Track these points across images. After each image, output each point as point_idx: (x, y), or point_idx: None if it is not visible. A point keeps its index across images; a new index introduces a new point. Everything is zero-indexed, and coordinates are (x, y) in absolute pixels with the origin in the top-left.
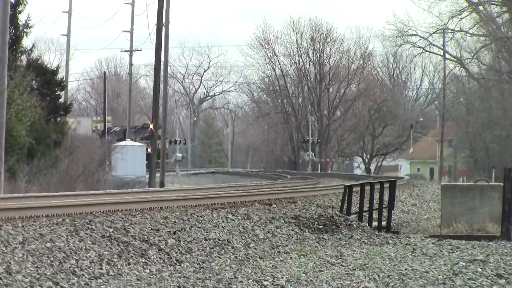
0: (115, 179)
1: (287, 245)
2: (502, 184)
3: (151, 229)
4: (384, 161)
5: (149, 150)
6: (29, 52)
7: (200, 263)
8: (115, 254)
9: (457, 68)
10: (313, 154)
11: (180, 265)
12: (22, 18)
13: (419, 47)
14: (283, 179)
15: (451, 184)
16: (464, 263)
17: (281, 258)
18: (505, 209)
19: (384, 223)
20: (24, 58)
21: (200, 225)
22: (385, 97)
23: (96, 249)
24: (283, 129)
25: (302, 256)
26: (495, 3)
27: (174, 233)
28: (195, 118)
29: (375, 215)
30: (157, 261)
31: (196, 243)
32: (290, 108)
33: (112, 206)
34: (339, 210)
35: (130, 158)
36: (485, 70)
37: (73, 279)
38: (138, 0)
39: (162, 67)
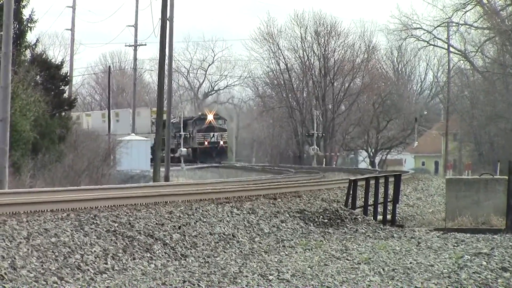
0: (120, 173)
1: (292, 239)
2: (507, 177)
3: (156, 223)
4: (389, 155)
5: (205, 143)
6: (33, 46)
7: (205, 257)
8: (120, 249)
9: (462, 61)
10: (317, 148)
11: (185, 259)
12: (26, 13)
13: (423, 40)
14: (288, 173)
15: (456, 178)
16: (469, 257)
17: (286, 252)
18: (509, 202)
19: (389, 216)
20: (28, 52)
21: (205, 220)
22: (389, 91)
23: (101, 244)
24: (287, 123)
25: (307, 250)
26: None
27: (179, 227)
28: (200, 113)
29: (380, 209)
30: (162, 255)
31: (201, 237)
32: (294, 102)
33: (117, 200)
34: (344, 204)
35: (134, 152)
36: (489, 63)
37: (78, 274)
38: None
39: (166, 61)
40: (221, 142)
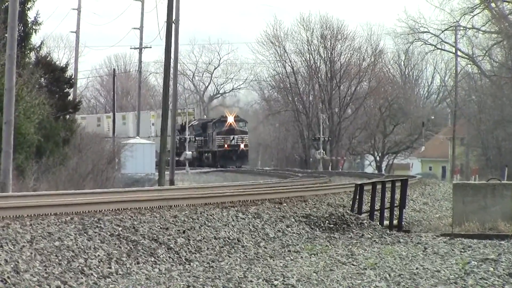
0: (124, 177)
1: (297, 244)
2: None
3: (160, 227)
4: (396, 160)
5: (225, 146)
6: (38, 49)
7: (210, 262)
8: (124, 253)
9: (469, 65)
10: (324, 152)
11: (190, 264)
12: (31, 15)
13: (430, 44)
14: (294, 177)
15: (463, 183)
16: (475, 262)
17: (292, 257)
18: None
19: (395, 222)
20: (32, 55)
21: (209, 224)
22: (396, 95)
23: (105, 248)
24: (293, 127)
25: (312, 255)
26: (507, 0)
27: (184, 232)
28: (205, 116)
29: (386, 214)
30: (166, 260)
31: (205, 242)
32: (301, 106)
33: (121, 204)
34: (350, 209)
35: (139, 155)
36: (497, 67)
37: (82, 278)
38: None
39: (172, 64)
40: (242, 145)
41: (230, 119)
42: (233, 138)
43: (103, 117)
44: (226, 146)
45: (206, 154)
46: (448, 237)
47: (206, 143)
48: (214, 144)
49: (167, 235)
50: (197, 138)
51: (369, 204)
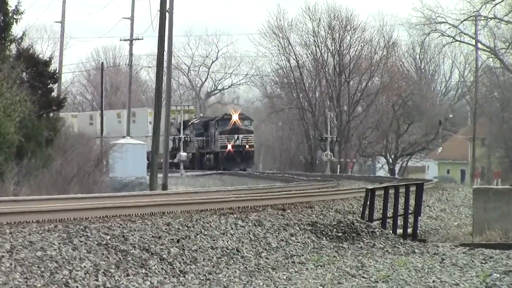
0: (113, 180)
1: (302, 255)
2: None
3: (152, 236)
4: (410, 162)
5: (229, 147)
6: (19, 40)
7: (206, 274)
8: (113, 264)
9: (491, 59)
10: (331, 153)
11: (184, 276)
12: (12, 3)
13: (448, 36)
14: (298, 181)
15: (484, 187)
16: (498, 275)
17: (296, 269)
18: None
19: (409, 230)
20: (13, 47)
21: (206, 232)
22: (411, 91)
23: (92, 259)
24: (298, 126)
25: (319, 267)
26: None
27: (178, 241)
28: (202, 114)
29: (400, 221)
30: (158, 272)
31: (201, 252)
32: (306, 103)
33: (110, 211)
34: (360, 216)
35: (129, 157)
36: None
37: None
38: None
39: (165, 57)
40: (247, 146)
41: (234, 117)
42: (238, 138)
43: (96, 115)
44: (229, 147)
45: (207, 156)
46: (468, 247)
47: (207, 144)
48: (217, 144)
49: (159, 244)
50: (198, 138)
51: (381, 210)
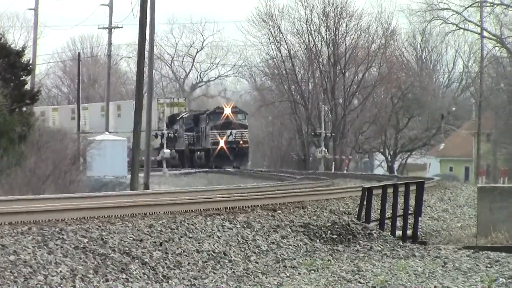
0: (91, 180)
1: (294, 259)
2: None
3: (133, 239)
4: (410, 159)
5: (221, 143)
6: None
7: (191, 279)
8: (91, 268)
9: (497, 48)
10: (326, 150)
11: (168, 282)
12: None
13: (452, 23)
14: (290, 179)
15: (490, 186)
16: (504, 280)
17: (288, 274)
18: None
19: (409, 232)
20: None
21: (191, 235)
22: (411, 83)
23: (68, 263)
24: (290, 121)
25: (312, 272)
26: None
27: (161, 244)
28: (186, 108)
29: (399, 222)
30: (140, 277)
31: (186, 256)
32: (298, 96)
33: (87, 212)
34: (356, 216)
35: (108, 155)
36: None
37: None
38: None
39: (147, 47)
40: (241, 142)
41: (227, 111)
42: (231, 133)
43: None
44: (222, 143)
45: (198, 153)
46: (472, 250)
47: (198, 139)
48: (208, 140)
49: (141, 247)
50: (187, 134)
51: (379, 211)
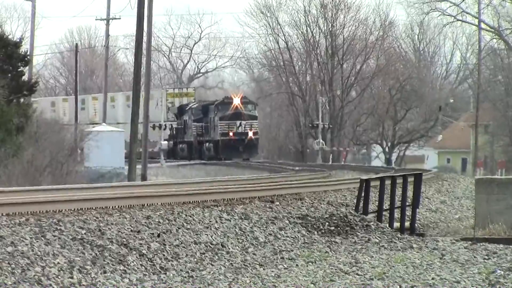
0: (88, 171)
1: (292, 250)
2: None
3: (131, 230)
4: (408, 151)
5: (230, 134)
6: None
7: (189, 271)
8: (89, 260)
9: (495, 40)
10: (323, 142)
11: (165, 273)
12: None
13: (449, 15)
14: (288, 171)
15: (487, 178)
16: (502, 272)
17: (285, 266)
18: None
19: (407, 224)
20: None
21: (189, 226)
22: (409, 75)
23: (66, 254)
24: (288, 113)
25: (310, 263)
26: None
27: (158, 235)
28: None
29: (396, 214)
30: (137, 268)
31: (184, 247)
32: (296, 88)
33: (85, 203)
34: (354, 208)
35: (106, 146)
36: None
37: None
38: None
39: (144, 38)
40: (250, 133)
41: (236, 101)
42: (240, 124)
43: (89, 99)
44: (231, 134)
45: (207, 144)
46: (470, 242)
47: (207, 131)
48: (216, 131)
49: (138, 239)
50: (196, 124)
51: (377, 203)
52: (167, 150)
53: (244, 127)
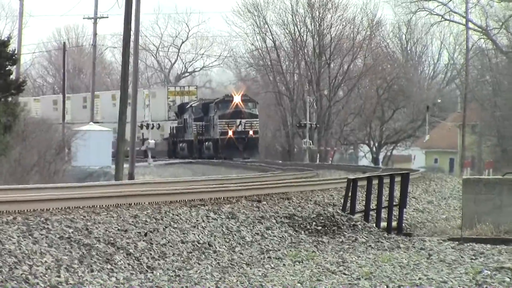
0: (75, 170)
1: (279, 250)
2: None
3: (118, 229)
4: (395, 150)
5: (230, 133)
6: None
7: (176, 270)
8: (76, 259)
9: (482, 39)
10: (310, 141)
11: (152, 272)
12: None
13: (437, 14)
14: (275, 171)
15: (475, 178)
16: (489, 272)
17: (272, 265)
18: None
19: (394, 223)
20: None
21: (176, 225)
22: (396, 74)
23: (53, 253)
24: (275, 112)
25: (297, 263)
26: None
27: (145, 234)
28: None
29: (384, 214)
30: (125, 267)
31: (171, 246)
32: (283, 87)
33: (72, 202)
34: (341, 208)
35: (93, 145)
36: None
37: None
38: None
39: (132, 37)
40: (251, 132)
41: (236, 99)
42: (240, 123)
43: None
44: (231, 133)
45: (206, 143)
46: (457, 242)
47: (207, 129)
48: (216, 130)
49: (125, 238)
50: (196, 123)
51: (364, 202)
52: (154, 148)
53: (244, 126)
